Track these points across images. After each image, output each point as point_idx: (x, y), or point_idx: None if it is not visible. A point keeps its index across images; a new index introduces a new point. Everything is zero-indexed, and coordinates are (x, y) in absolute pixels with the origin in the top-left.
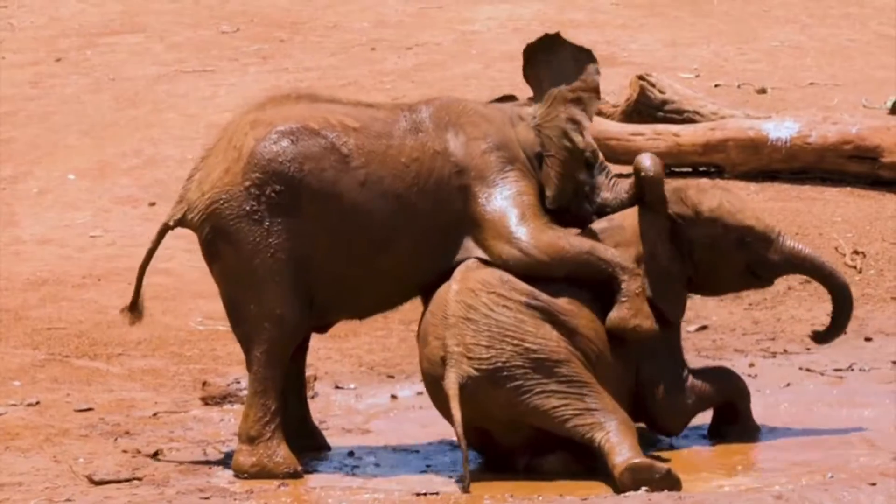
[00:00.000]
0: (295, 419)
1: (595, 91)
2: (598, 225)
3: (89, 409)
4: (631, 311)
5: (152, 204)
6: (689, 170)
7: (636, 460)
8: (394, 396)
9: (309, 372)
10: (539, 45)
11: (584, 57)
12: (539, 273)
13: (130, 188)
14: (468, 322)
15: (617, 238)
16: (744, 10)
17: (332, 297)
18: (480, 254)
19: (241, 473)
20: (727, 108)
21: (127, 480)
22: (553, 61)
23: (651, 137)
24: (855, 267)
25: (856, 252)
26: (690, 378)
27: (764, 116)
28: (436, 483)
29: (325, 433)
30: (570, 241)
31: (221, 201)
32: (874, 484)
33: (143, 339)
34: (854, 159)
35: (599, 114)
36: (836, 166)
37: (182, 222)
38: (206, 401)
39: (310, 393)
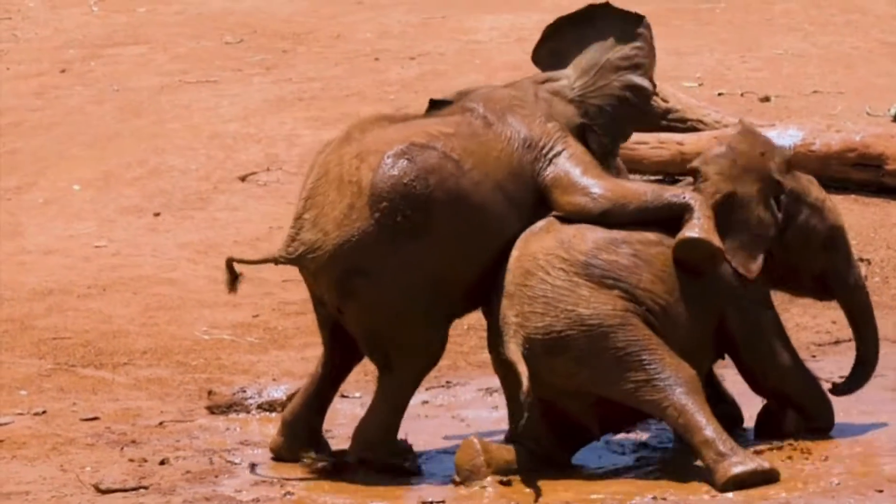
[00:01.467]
0: (309, 427)
1: (653, 55)
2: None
3: (95, 419)
4: (700, 228)
5: (157, 214)
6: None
7: (737, 470)
8: None
9: None
10: (577, 16)
11: (634, 22)
12: (610, 219)
13: (135, 198)
14: (525, 289)
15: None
16: (746, 18)
17: (469, 306)
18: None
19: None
20: (731, 116)
21: (133, 489)
22: (589, 33)
23: (655, 146)
24: None
25: (860, 259)
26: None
27: (767, 125)
28: (441, 492)
29: (330, 442)
30: (634, 185)
31: (354, 238)
32: (881, 491)
33: (149, 348)
34: (858, 167)
35: None
36: (841, 174)
37: (297, 261)
38: (212, 410)
39: None
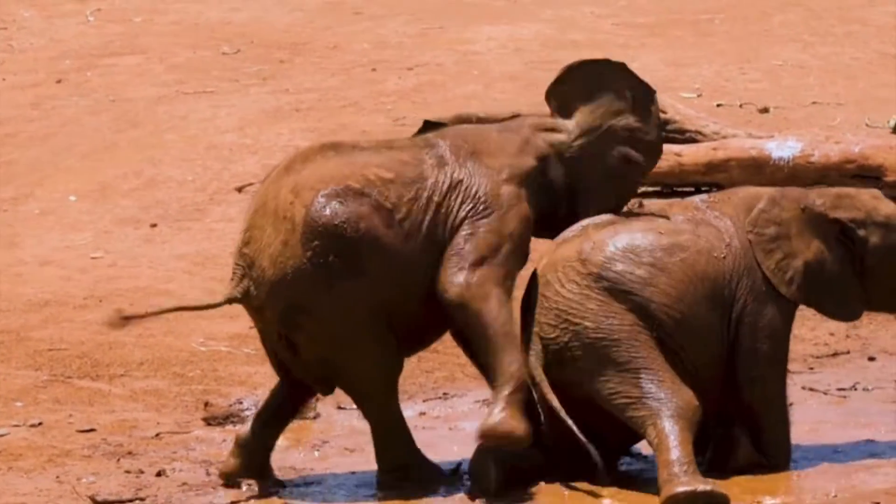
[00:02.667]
0: (262, 451)
1: (658, 132)
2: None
3: (92, 430)
4: (503, 418)
5: (153, 225)
6: (692, 189)
7: (678, 490)
8: None
9: None
10: (592, 69)
11: (645, 93)
12: (457, 314)
13: (131, 209)
14: (543, 299)
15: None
16: (745, 29)
17: (407, 339)
18: None
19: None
20: (729, 127)
21: (130, 501)
22: (600, 90)
23: None
24: None
25: None
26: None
27: (766, 136)
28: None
29: (327, 453)
30: (499, 309)
31: (289, 276)
32: (878, 503)
33: (145, 359)
34: (857, 178)
35: None
36: (839, 185)
37: (245, 300)
38: (209, 421)
39: (311, 413)
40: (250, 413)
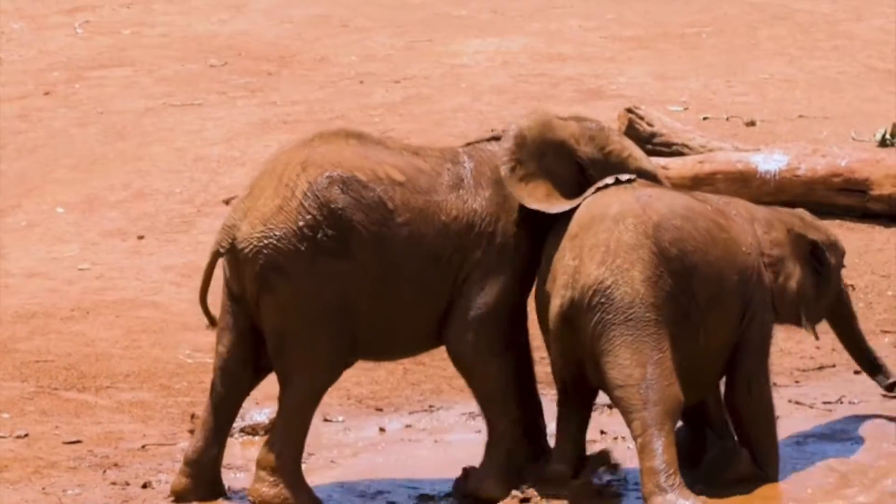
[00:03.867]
0: (212, 462)
1: None
2: None
3: (78, 442)
4: (487, 484)
5: (141, 237)
6: None
7: (659, 498)
8: (382, 429)
9: None
10: None
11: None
12: (458, 369)
13: (119, 221)
14: (589, 232)
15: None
16: (732, 42)
17: (371, 341)
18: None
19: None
20: (716, 140)
21: None
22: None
23: None
24: None
25: (846, 285)
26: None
27: (753, 149)
28: None
29: (313, 465)
30: (500, 373)
31: (275, 237)
32: None
33: (132, 371)
34: (843, 192)
35: None
36: (826, 199)
37: (231, 251)
38: (195, 433)
39: None
40: (236, 425)
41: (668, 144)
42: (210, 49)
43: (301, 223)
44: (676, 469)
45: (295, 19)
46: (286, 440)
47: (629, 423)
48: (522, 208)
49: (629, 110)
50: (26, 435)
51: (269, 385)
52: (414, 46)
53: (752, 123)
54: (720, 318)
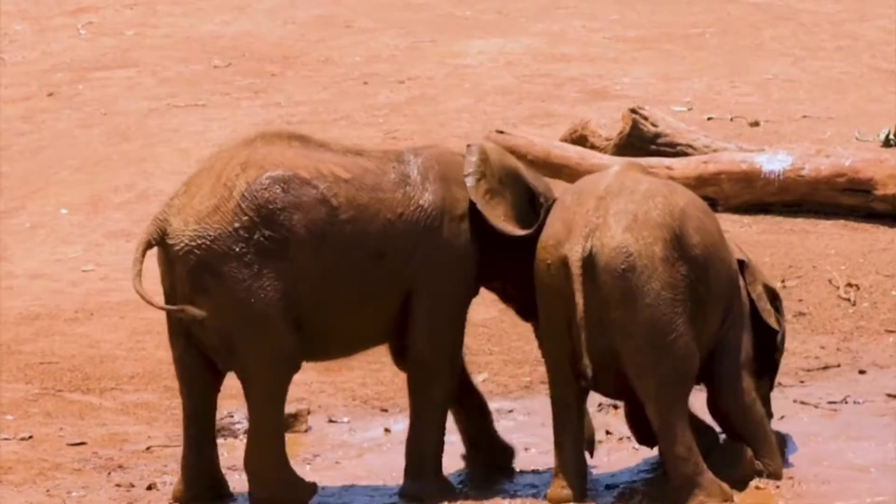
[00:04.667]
0: (207, 466)
1: None
2: None
3: (82, 444)
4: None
5: None
6: None
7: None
8: (387, 430)
9: (302, 406)
10: None
11: None
12: (422, 370)
13: (122, 222)
14: (617, 198)
15: None
16: (736, 43)
17: (317, 337)
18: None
19: None
20: (720, 141)
21: None
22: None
23: None
24: (849, 300)
25: (850, 285)
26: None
27: (757, 149)
28: None
29: (318, 466)
30: (445, 390)
31: (210, 238)
32: None
33: (136, 373)
34: (847, 192)
35: (593, 147)
36: (830, 199)
37: (161, 245)
38: None
39: (303, 427)
40: (241, 426)
41: (673, 145)
42: (214, 50)
43: (237, 224)
44: (698, 454)
45: (299, 20)
46: (266, 438)
47: (647, 408)
48: (470, 206)
49: (633, 111)
50: (31, 437)
51: None
52: (418, 47)
53: (755, 124)
54: (715, 316)
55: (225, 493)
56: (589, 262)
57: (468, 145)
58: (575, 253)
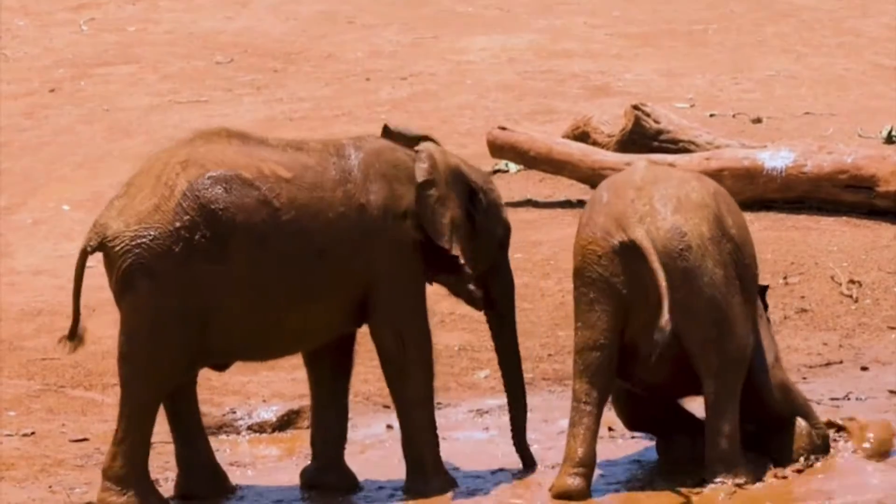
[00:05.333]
0: (202, 462)
1: None
2: None
3: (84, 440)
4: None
5: None
6: None
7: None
8: (389, 426)
9: (304, 402)
10: None
11: None
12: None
13: None
14: (659, 185)
15: None
16: (738, 39)
17: (238, 342)
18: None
19: None
20: (722, 137)
21: None
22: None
23: None
24: (851, 296)
25: (852, 281)
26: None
27: (759, 146)
28: None
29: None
30: (427, 355)
31: (149, 237)
32: None
33: None
34: (850, 189)
35: (595, 144)
36: (832, 196)
37: (100, 248)
38: None
39: (305, 423)
40: (243, 423)
41: (675, 141)
42: (216, 46)
43: (178, 224)
44: (738, 434)
45: (301, 16)
46: (129, 448)
47: (705, 385)
48: (414, 201)
49: (635, 107)
50: (33, 433)
51: (277, 382)
52: (420, 43)
53: (758, 120)
54: (749, 299)
55: (224, 489)
56: (641, 246)
57: (417, 150)
58: (640, 234)
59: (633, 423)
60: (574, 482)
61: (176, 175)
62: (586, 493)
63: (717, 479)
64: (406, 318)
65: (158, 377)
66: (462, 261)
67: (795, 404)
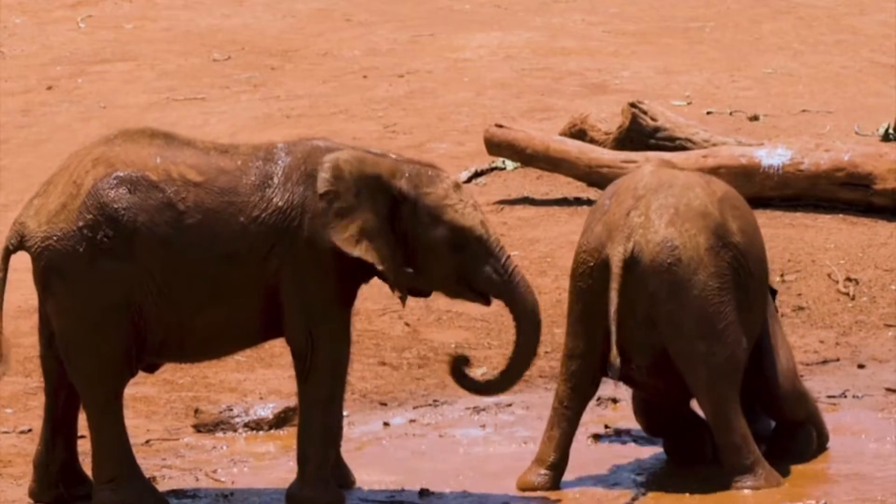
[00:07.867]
0: (60, 465)
1: None
2: None
3: (81, 437)
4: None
5: None
6: None
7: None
8: (386, 424)
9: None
10: None
11: None
12: (313, 381)
13: None
14: (656, 194)
15: None
16: (735, 37)
17: (161, 342)
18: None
19: None
20: (719, 135)
21: None
22: None
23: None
24: (848, 294)
25: (848, 279)
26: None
27: (756, 143)
28: None
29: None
30: (338, 358)
31: (56, 238)
32: None
33: None
34: (846, 186)
35: (592, 141)
36: (829, 193)
37: (20, 247)
38: (199, 428)
39: None
40: (240, 420)
41: (672, 139)
42: (213, 43)
43: (81, 223)
44: (752, 441)
45: (298, 13)
46: (108, 448)
47: (699, 402)
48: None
49: (633, 105)
50: (30, 430)
51: (274, 380)
52: (417, 41)
53: (755, 118)
54: (758, 305)
55: (86, 490)
56: (634, 260)
57: (323, 161)
58: (616, 254)
59: (651, 428)
60: (539, 480)
61: (85, 173)
62: (551, 489)
63: (746, 489)
64: (316, 318)
65: (105, 373)
66: (380, 267)
67: (808, 410)
